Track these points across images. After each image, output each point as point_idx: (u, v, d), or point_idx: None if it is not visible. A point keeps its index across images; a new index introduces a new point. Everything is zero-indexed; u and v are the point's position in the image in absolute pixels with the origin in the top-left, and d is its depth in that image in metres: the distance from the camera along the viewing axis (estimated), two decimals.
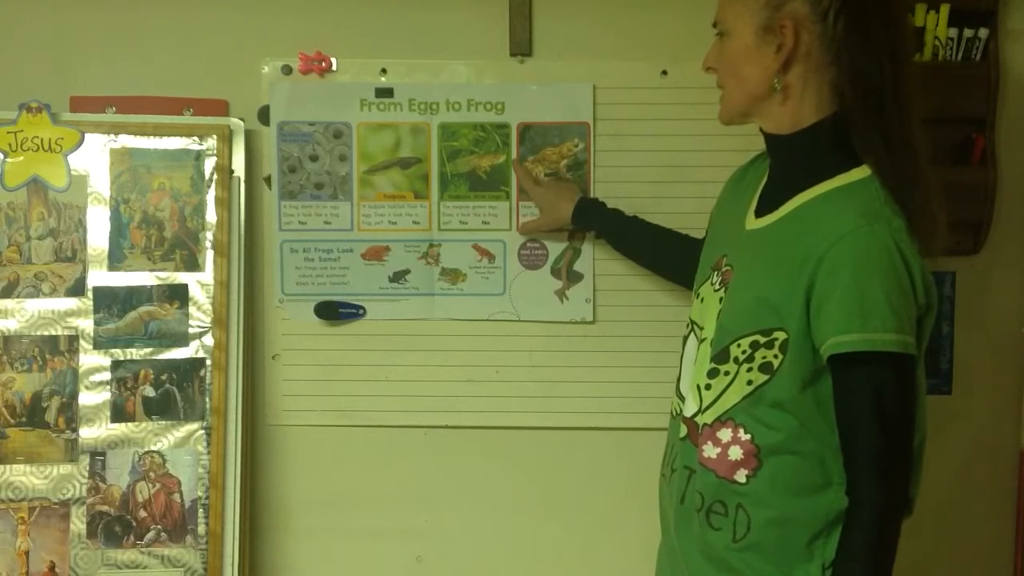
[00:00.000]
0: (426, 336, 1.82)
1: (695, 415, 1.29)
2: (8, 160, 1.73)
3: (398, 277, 1.81)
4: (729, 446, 1.23)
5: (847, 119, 1.20)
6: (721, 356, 1.25)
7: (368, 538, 1.87)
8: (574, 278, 1.80)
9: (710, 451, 1.25)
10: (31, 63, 1.80)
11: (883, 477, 1.16)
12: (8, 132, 1.72)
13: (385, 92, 1.79)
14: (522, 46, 1.78)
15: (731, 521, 1.23)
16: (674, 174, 1.78)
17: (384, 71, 1.79)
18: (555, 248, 1.80)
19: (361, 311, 1.82)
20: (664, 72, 1.77)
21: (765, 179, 1.34)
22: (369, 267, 1.81)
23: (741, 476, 1.22)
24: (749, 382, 1.21)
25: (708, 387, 1.26)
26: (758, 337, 1.20)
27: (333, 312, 1.82)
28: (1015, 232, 1.81)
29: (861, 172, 1.21)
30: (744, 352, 1.22)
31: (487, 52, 1.79)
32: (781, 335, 1.19)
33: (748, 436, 1.22)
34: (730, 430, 1.23)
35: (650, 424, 1.74)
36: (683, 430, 1.32)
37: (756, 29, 1.21)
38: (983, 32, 1.72)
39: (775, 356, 1.19)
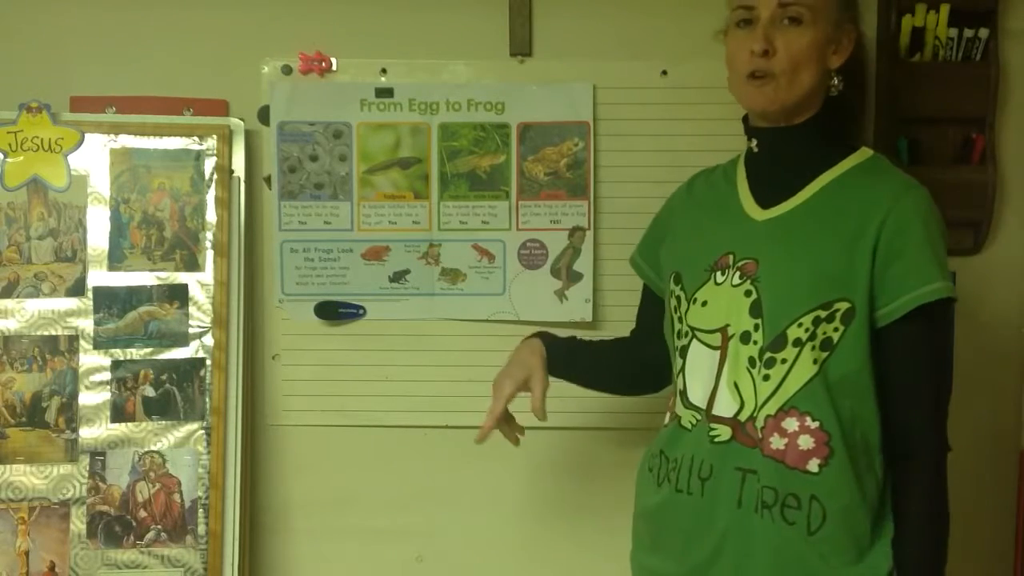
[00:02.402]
0: (426, 336, 1.82)
1: (737, 413, 1.26)
2: (8, 160, 1.73)
3: (398, 277, 1.81)
4: (798, 436, 1.22)
5: (847, 109, 1.31)
6: (777, 343, 1.24)
7: (368, 538, 1.87)
8: (574, 278, 1.80)
9: (777, 443, 1.23)
10: (31, 63, 1.80)
11: (940, 420, 1.24)
12: (8, 132, 1.72)
13: (385, 92, 1.79)
14: (522, 46, 1.78)
15: (805, 515, 1.22)
16: (674, 174, 1.77)
17: (384, 71, 1.79)
18: (555, 248, 1.80)
19: (361, 311, 1.82)
20: (664, 72, 1.77)
21: (742, 179, 1.37)
22: (369, 267, 1.81)
23: (813, 465, 1.22)
24: (815, 361, 1.22)
25: (767, 377, 1.24)
26: (819, 312, 1.22)
27: (333, 312, 1.82)
28: (1015, 232, 1.81)
29: (864, 154, 1.30)
30: (807, 331, 1.22)
31: (487, 52, 1.79)
32: (843, 305, 1.21)
33: (816, 423, 1.22)
34: (796, 419, 1.22)
35: (650, 424, 1.74)
36: (724, 433, 1.28)
37: (833, 25, 1.27)
38: (983, 32, 1.73)
39: (835, 329, 1.21)
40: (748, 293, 1.27)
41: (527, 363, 1.46)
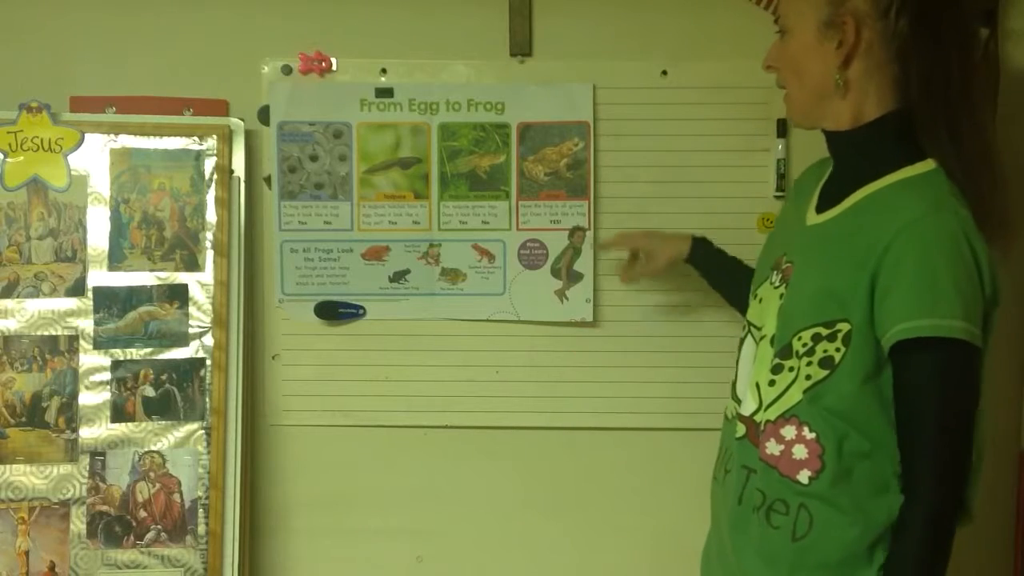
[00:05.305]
0: (426, 336, 1.82)
1: (754, 413, 1.27)
2: (8, 160, 1.73)
3: (398, 277, 1.81)
4: (793, 444, 1.21)
5: (912, 114, 1.21)
6: (784, 351, 1.24)
7: (368, 538, 1.87)
8: (574, 278, 1.80)
9: (773, 448, 1.23)
10: (31, 63, 1.80)
11: (940, 475, 1.13)
12: (8, 132, 1.72)
13: (385, 92, 1.79)
14: (522, 46, 1.78)
15: (791, 520, 1.22)
16: (674, 174, 1.78)
17: (384, 71, 1.79)
18: (555, 248, 1.80)
19: (361, 311, 1.82)
20: (664, 72, 1.77)
21: (825, 178, 1.34)
22: (369, 267, 1.81)
23: (804, 476, 1.20)
24: (808, 376, 1.20)
25: (772, 383, 1.25)
26: (820, 329, 1.20)
27: (333, 312, 1.82)
28: (1015, 232, 1.80)
29: (926, 166, 1.20)
30: (805, 345, 1.21)
31: (487, 52, 1.79)
32: (845, 327, 1.18)
33: (813, 435, 1.20)
34: (794, 428, 1.22)
35: (650, 424, 1.74)
36: (741, 429, 1.30)
37: (818, 25, 1.22)
38: (983, 32, 1.72)
39: (836, 349, 1.18)
40: (780, 296, 1.28)
41: (667, 240, 1.65)
